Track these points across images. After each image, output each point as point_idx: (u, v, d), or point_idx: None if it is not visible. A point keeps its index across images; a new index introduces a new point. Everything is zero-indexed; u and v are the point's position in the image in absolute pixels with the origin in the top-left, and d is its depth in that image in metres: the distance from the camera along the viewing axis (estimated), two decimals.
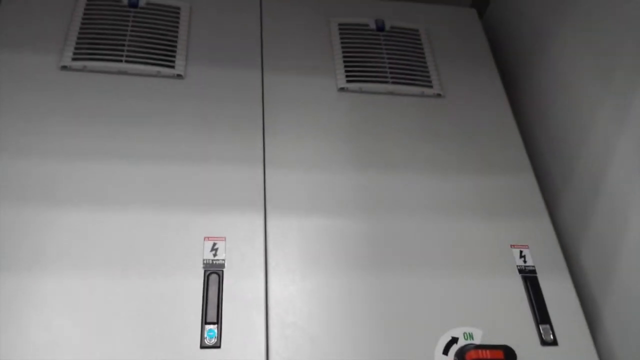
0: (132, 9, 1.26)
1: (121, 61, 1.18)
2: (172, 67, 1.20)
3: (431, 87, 1.32)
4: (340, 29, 1.38)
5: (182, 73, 1.20)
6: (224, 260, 0.97)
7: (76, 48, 1.18)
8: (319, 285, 0.99)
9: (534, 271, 1.09)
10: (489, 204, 1.16)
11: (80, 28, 1.21)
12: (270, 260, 1.00)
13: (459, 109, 1.30)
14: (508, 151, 1.25)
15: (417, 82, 1.33)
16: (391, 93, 1.30)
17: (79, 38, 1.19)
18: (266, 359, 0.89)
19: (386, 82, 1.31)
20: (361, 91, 1.29)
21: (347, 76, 1.29)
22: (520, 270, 1.08)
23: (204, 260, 0.97)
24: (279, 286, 0.97)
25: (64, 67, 1.15)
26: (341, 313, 0.97)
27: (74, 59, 1.16)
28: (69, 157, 1.04)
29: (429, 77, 1.34)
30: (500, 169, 1.21)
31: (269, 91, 1.23)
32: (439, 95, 1.32)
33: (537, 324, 1.02)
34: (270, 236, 1.02)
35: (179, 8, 1.29)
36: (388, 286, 1.01)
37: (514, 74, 1.48)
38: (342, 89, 1.27)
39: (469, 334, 0.98)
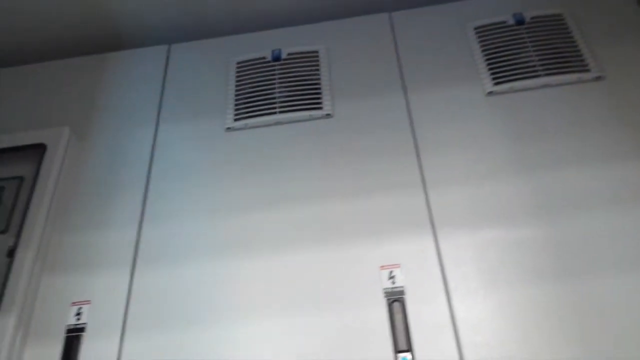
0: (276, 63, 1.35)
1: (275, 113, 1.27)
2: (321, 108, 1.26)
3: (588, 70, 1.23)
4: (477, 32, 1.34)
5: (330, 112, 1.25)
6: (402, 287, 0.99)
7: (235, 109, 1.29)
8: (503, 301, 0.96)
9: None
10: None
11: (236, 90, 1.32)
12: (449, 282, 0.99)
13: (624, 89, 1.19)
14: None
15: (571, 69, 1.24)
16: (546, 86, 1.23)
17: (235, 99, 1.31)
18: None
19: (537, 76, 1.24)
20: (512, 91, 1.24)
21: (493, 79, 1.25)
22: None
23: (383, 289, 0.99)
24: (463, 307, 0.96)
25: (229, 129, 1.26)
26: (533, 328, 0.93)
27: (235, 120, 1.27)
28: (246, 209, 1.13)
29: (583, 60, 1.25)
30: None
31: (415, 111, 1.23)
32: (598, 78, 1.22)
33: None
34: (444, 257, 1.02)
35: (317, 51, 1.36)
36: (579, 294, 0.95)
37: None
38: (490, 93, 1.24)
39: None
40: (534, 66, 1.26)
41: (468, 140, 1.17)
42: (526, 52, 1.28)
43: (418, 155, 1.16)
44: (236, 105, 1.30)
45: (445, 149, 1.16)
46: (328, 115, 1.25)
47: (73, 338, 1.00)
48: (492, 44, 1.32)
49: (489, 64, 1.28)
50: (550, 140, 1.15)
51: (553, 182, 1.09)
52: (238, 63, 1.37)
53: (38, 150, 1.22)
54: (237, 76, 1.35)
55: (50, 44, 1.50)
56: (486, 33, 1.33)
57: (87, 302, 1.04)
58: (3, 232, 1.15)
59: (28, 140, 1.24)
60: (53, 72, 1.42)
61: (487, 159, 1.14)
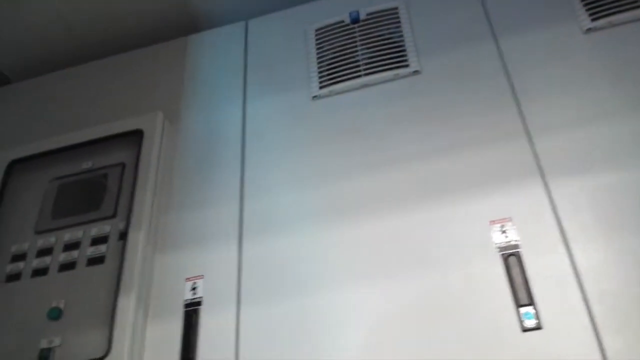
0: (355, 25, 1.32)
1: (360, 76, 1.24)
2: (407, 65, 1.22)
3: None
4: None
5: (418, 68, 1.21)
6: (517, 240, 0.95)
7: (319, 77, 1.27)
8: (626, 247, 0.91)
9: None
10: None
11: (317, 58, 1.31)
12: (567, 233, 0.94)
13: None
14: None
15: None
16: None
17: (318, 67, 1.29)
18: (594, 333, 0.85)
19: (638, 7, 1.14)
20: (611, 25, 1.15)
21: (590, 15, 1.17)
22: None
23: (496, 244, 0.96)
24: (584, 257, 0.91)
25: (315, 97, 1.25)
26: None
27: (320, 88, 1.26)
28: (342, 175, 1.13)
29: None
30: None
31: (508, 58, 1.17)
32: None
33: None
34: (558, 207, 0.97)
35: (396, 8, 1.32)
36: None
37: None
38: (588, 30, 1.16)
39: None
40: None
41: (569, 82, 1.11)
42: None
43: (518, 103, 1.10)
44: (319, 72, 1.28)
45: (546, 94, 1.10)
46: (416, 72, 1.21)
47: (191, 312, 1.04)
48: None
49: None
50: None
51: None
52: (316, 30, 1.35)
53: (135, 137, 1.26)
54: (317, 43, 1.33)
55: (133, 34, 1.55)
56: None
57: (201, 276, 1.07)
58: (112, 217, 1.20)
59: (125, 127, 1.28)
60: (139, 60, 1.46)
61: (591, 99, 1.07)
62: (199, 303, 1.04)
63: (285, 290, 1.02)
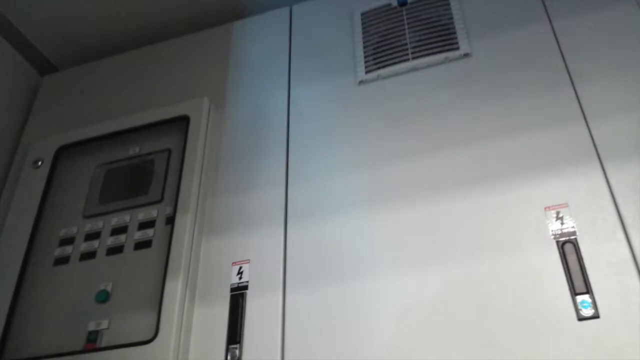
0: (402, 8, 1.29)
1: (408, 59, 1.21)
2: (457, 48, 1.19)
3: None
4: None
5: (468, 51, 1.18)
6: (573, 228, 0.91)
7: (365, 61, 1.25)
8: None
9: None
10: None
11: (364, 42, 1.28)
12: (625, 219, 0.90)
13: None
14: None
15: None
16: None
17: (365, 51, 1.27)
18: None
19: None
20: None
21: None
22: None
23: (552, 231, 0.92)
24: None
25: (362, 82, 1.23)
26: None
27: (367, 72, 1.23)
28: (390, 161, 1.10)
29: None
30: None
31: (563, 39, 1.13)
32: None
33: None
34: (616, 192, 0.93)
35: None
36: None
37: None
38: None
39: None
40: None
41: (627, 64, 1.06)
42: None
43: (573, 85, 1.06)
44: (366, 57, 1.26)
45: (602, 76, 1.05)
46: (466, 55, 1.18)
47: (238, 296, 1.04)
48: None
49: None
50: None
51: None
52: (362, 14, 1.33)
53: (181, 122, 1.27)
54: (364, 27, 1.31)
55: (178, 21, 1.56)
56: None
57: (247, 261, 1.07)
58: (159, 201, 1.20)
59: (172, 113, 1.28)
60: (185, 46, 1.47)
61: None
62: (245, 287, 1.04)
63: (332, 276, 1.01)
